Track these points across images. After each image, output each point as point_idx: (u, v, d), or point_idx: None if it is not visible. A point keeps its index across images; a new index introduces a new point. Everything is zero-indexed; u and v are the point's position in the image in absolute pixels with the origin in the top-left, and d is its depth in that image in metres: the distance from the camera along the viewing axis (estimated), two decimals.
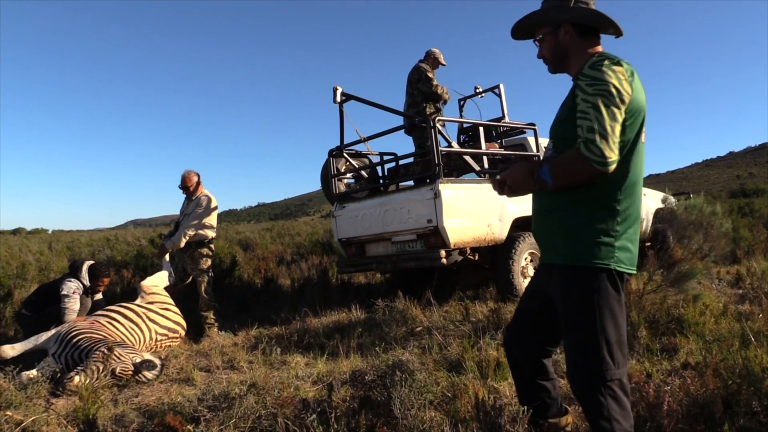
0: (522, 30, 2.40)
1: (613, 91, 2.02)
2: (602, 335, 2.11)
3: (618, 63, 2.08)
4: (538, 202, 2.37)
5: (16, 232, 40.70)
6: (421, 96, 7.48)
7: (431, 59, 7.67)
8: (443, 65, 7.76)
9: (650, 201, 8.57)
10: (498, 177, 2.29)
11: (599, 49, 2.30)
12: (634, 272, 2.23)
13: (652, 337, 4.20)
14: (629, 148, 2.12)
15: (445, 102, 7.57)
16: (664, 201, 7.50)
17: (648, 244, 8.21)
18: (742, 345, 3.70)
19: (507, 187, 2.25)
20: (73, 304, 5.53)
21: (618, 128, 2.01)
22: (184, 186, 6.49)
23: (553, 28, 2.29)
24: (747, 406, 2.59)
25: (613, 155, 1.98)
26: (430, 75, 7.43)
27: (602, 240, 2.12)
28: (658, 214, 8.48)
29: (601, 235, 2.13)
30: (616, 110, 2.01)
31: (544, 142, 7.60)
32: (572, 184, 2.12)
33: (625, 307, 2.21)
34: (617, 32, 2.32)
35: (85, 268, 5.86)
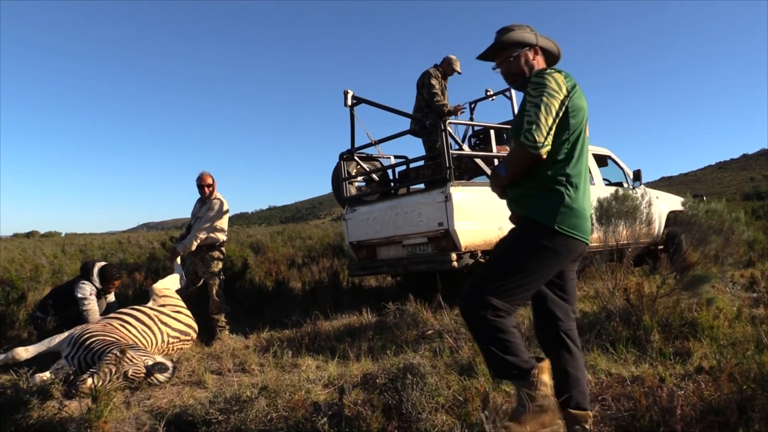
0: (500, 49, 2.80)
1: (550, 90, 2.48)
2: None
3: (558, 72, 2.58)
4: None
5: (30, 235, 41.05)
6: (424, 103, 7.46)
7: (445, 65, 7.61)
8: (458, 73, 7.69)
9: (663, 204, 8.51)
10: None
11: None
12: (584, 239, 2.62)
13: (665, 341, 4.16)
14: (575, 139, 2.58)
15: (453, 113, 7.41)
16: (684, 204, 7.46)
17: (661, 247, 8.15)
18: (757, 349, 3.67)
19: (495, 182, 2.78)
20: (93, 305, 5.60)
21: (551, 120, 2.46)
22: (202, 185, 6.51)
23: (524, 49, 2.75)
24: (762, 411, 2.56)
25: (543, 140, 2.44)
26: (434, 82, 7.35)
27: (559, 207, 2.56)
28: (672, 217, 8.42)
29: (546, 199, 2.59)
30: (551, 105, 2.46)
31: None
32: (519, 170, 2.59)
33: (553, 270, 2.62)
34: (558, 60, 2.91)
35: (96, 270, 5.90)
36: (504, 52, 2.77)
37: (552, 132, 2.48)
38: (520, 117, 2.60)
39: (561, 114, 2.50)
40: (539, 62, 2.78)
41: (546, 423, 2.46)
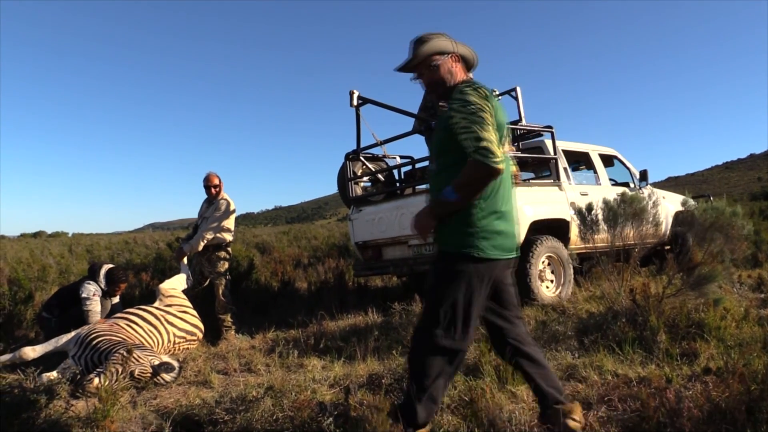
0: (419, 58, 2.76)
1: (481, 105, 2.48)
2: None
3: (478, 87, 2.58)
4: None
5: (37, 235, 41.25)
6: (431, 104, 7.46)
7: None
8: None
9: (669, 204, 8.48)
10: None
11: (467, 76, 2.81)
12: (506, 257, 2.65)
13: (671, 341, 4.14)
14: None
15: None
16: (684, 204, 7.42)
17: (668, 247, 8.13)
18: (765, 350, 3.65)
19: (419, 233, 2.66)
20: (95, 306, 5.61)
21: (493, 134, 2.44)
22: (209, 185, 6.53)
23: (443, 57, 2.75)
24: None
25: (499, 155, 2.41)
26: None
27: (466, 231, 2.57)
28: (678, 217, 8.39)
29: (467, 227, 2.57)
30: (486, 119, 2.45)
31: (561, 144, 7.55)
32: (477, 191, 2.50)
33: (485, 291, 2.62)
34: (474, 66, 2.90)
35: (103, 272, 5.92)
36: (424, 61, 2.75)
37: (498, 145, 2.46)
38: (444, 133, 2.60)
39: (495, 126, 2.49)
40: (459, 70, 2.78)
41: None
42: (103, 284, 5.85)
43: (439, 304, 2.56)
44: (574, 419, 2.63)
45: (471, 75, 2.86)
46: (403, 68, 2.82)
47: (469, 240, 2.55)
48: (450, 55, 2.75)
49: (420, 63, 2.76)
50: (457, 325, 2.55)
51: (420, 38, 2.76)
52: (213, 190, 6.50)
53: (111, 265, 6.12)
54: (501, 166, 2.41)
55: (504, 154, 2.55)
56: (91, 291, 5.66)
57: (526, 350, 2.74)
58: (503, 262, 2.66)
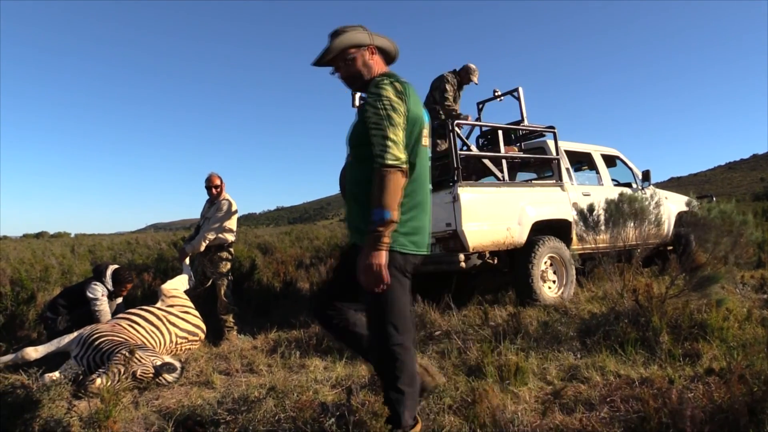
0: (331, 55, 2.73)
1: (392, 102, 2.45)
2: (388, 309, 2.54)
3: (396, 81, 2.54)
4: (348, 194, 2.78)
5: (40, 235, 41.31)
6: (433, 105, 7.47)
7: (463, 72, 7.59)
8: (475, 83, 7.68)
9: (672, 204, 8.46)
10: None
11: (386, 69, 2.78)
12: (422, 253, 2.68)
13: (674, 342, 4.14)
14: (411, 151, 2.54)
15: (457, 118, 7.42)
16: (688, 204, 7.41)
17: (670, 248, 8.11)
18: None
19: (375, 287, 2.42)
20: (104, 307, 5.63)
21: (400, 134, 2.44)
22: (210, 186, 6.53)
23: (361, 50, 2.71)
24: None
25: (402, 156, 2.41)
26: (448, 87, 7.36)
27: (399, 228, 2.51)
28: (681, 218, 8.37)
29: None
30: (395, 118, 2.43)
31: (563, 145, 7.54)
32: (394, 195, 2.40)
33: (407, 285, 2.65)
34: (395, 58, 2.88)
35: (109, 272, 5.93)
36: (339, 55, 2.71)
37: (405, 145, 2.47)
38: (360, 126, 2.58)
39: (404, 125, 2.49)
40: (377, 62, 2.75)
41: None
42: (110, 285, 5.85)
43: (380, 306, 2.56)
44: None
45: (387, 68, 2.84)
46: (318, 62, 2.76)
47: (395, 236, 2.51)
48: (366, 48, 2.71)
49: (335, 57, 2.72)
50: (401, 319, 2.57)
51: (335, 31, 2.72)
52: (214, 191, 6.51)
53: (117, 266, 6.13)
54: (404, 166, 2.41)
55: (425, 146, 2.65)
56: (99, 292, 5.67)
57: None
58: (418, 258, 2.70)
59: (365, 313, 2.65)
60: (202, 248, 6.23)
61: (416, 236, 2.62)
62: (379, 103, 2.46)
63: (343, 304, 2.86)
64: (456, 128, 6.20)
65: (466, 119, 7.47)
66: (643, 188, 8.27)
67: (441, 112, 7.31)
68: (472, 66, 7.63)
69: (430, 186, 2.78)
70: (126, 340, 4.74)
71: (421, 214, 2.66)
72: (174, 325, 5.45)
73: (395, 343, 2.53)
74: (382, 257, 2.38)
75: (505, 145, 7.14)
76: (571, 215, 6.92)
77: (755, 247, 5.24)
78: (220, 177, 6.57)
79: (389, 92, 2.49)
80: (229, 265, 6.43)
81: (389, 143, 2.40)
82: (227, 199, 6.46)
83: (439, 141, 7.30)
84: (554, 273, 6.70)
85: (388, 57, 2.85)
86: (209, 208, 6.55)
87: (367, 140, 2.50)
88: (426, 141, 2.68)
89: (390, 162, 2.38)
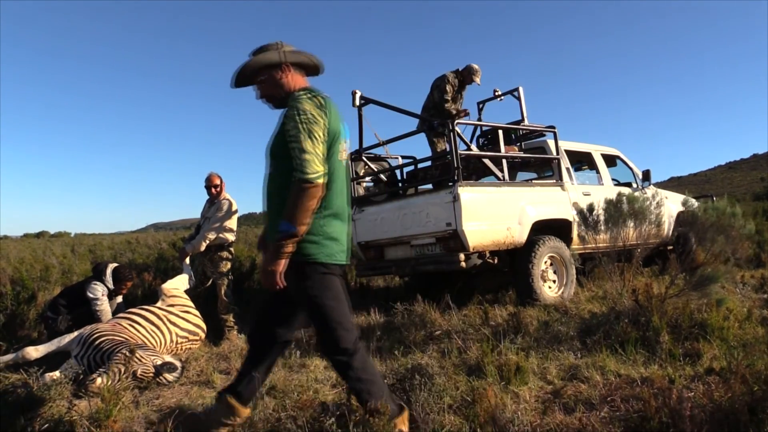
0: (246, 76, 2.82)
1: (310, 116, 2.51)
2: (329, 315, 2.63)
3: (316, 96, 2.61)
4: (271, 206, 2.76)
5: (40, 235, 41.31)
6: (432, 104, 7.48)
7: (465, 72, 7.60)
8: (477, 84, 7.69)
9: (672, 204, 8.47)
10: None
11: (305, 84, 2.83)
12: (342, 263, 2.73)
13: (674, 342, 4.14)
14: (330, 166, 2.60)
15: (462, 115, 7.45)
16: (684, 203, 7.41)
17: (670, 247, 8.12)
18: None
19: (273, 281, 2.51)
20: (105, 306, 5.64)
21: (319, 147, 2.50)
22: (210, 186, 6.54)
23: (274, 70, 2.77)
24: None
25: (320, 169, 2.47)
26: (448, 88, 7.37)
27: (309, 239, 2.58)
28: (680, 218, 8.38)
29: (308, 235, 2.57)
30: (314, 132, 2.50)
31: (564, 145, 7.55)
32: (307, 210, 2.48)
33: (342, 290, 2.72)
34: (318, 70, 2.94)
35: (109, 271, 5.93)
36: (253, 78, 2.80)
37: (324, 158, 2.54)
38: (280, 138, 2.62)
39: (324, 138, 2.55)
40: (293, 79, 2.79)
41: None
42: (110, 283, 5.85)
43: (320, 315, 2.64)
44: (233, 416, 2.86)
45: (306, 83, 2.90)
46: (238, 85, 2.85)
47: (315, 247, 2.61)
48: (278, 67, 2.77)
49: (251, 79, 2.82)
50: (343, 318, 2.66)
51: (252, 52, 2.83)
52: (214, 190, 6.51)
53: (116, 264, 6.13)
54: (320, 180, 2.47)
55: (341, 161, 2.72)
56: (99, 291, 5.67)
57: (268, 358, 2.94)
58: (340, 268, 2.75)
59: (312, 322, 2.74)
60: (203, 248, 6.23)
61: (329, 246, 2.67)
62: (299, 117, 2.52)
63: (280, 329, 2.94)
64: (456, 128, 6.20)
65: (466, 114, 7.49)
66: (643, 188, 8.27)
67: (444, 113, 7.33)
68: (475, 66, 7.63)
69: (348, 199, 2.87)
70: (126, 339, 4.74)
71: (336, 224, 2.72)
72: (174, 324, 5.45)
73: (345, 340, 2.62)
74: (281, 265, 2.49)
75: (505, 144, 7.15)
76: (571, 215, 6.92)
77: (751, 241, 5.22)
78: (219, 176, 6.58)
79: (309, 106, 2.55)
80: (229, 265, 6.44)
81: (308, 156, 2.46)
82: (227, 199, 6.46)
83: (438, 140, 7.31)
84: (554, 273, 6.70)
85: (311, 69, 2.92)
86: (209, 208, 6.55)
87: (285, 153, 2.55)
88: (343, 155, 2.75)
89: (308, 176, 2.44)
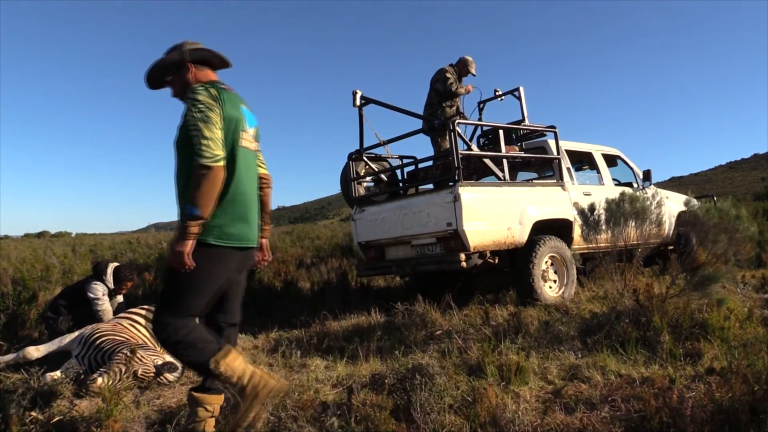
0: (155, 78, 3.04)
1: (205, 105, 2.67)
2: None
3: (211, 87, 2.77)
4: (180, 196, 2.87)
5: (41, 235, 41.32)
6: (437, 96, 7.48)
7: (460, 65, 7.64)
8: (473, 75, 7.72)
9: (673, 204, 8.47)
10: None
11: (211, 78, 2.99)
12: (238, 245, 2.82)
13: (675, 342, 4.14)
14: (230, 152, 2.77)
15: (466, 92, 7.55)
16: (686, 204, 7.41)
17: (671, 247, 8.11)
18: None
19: (180, 261, 2.60)
20: (106, 306, 5.65)
21: (217, 132, 2.66)
22: None
23: (179, 69, 2.96)
24: None
25: (218, 153, 2.63)
26: (448, 75, 7.41)
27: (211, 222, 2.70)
28: (681, 218, 8.38)
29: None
30: (210, 118, 2.65)
31: (564, 144, 7.55)
32: (210, 193, 2.61)
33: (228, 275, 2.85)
34: (225, 63, 3.08)
35: (109, 270, 5.93)
36: (161, 81, 3.03)
37: (222, 143, 2.69)
38: (182, 130, 2.76)
39: (221, 124, 2.71)
40: (198, 75, 2.95)
41: (258, 394, 2.72)
42: (110, 283, 5.85)
43: (176, 283, 2.74)
44: (205, 408, 2.90)
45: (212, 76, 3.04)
46: (153, 87, 3.08)
47: (207, 230, 2.70)
48: (182, 67, 2.95)
49: (160, 82, 3.05)
50: (192, 298, 2.77)
51: (166, 52, 3.00)
52: None
53: (117, 264, 6.13)
54: (220, 163, 2.63)
55: (244, 148, 2.87)
56: (100, 291, 5.67)
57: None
58: (235, 250, 2.84)
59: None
60: None
61: (231, 228, 2.79)
62: (195, 107, 2.68)
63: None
64: (457, 128, 6.21)
65: (469, 90, 7.52)
66: (644, 188, 8.27)
67: (443, 107, 7.36)
68: (469, 58, 7.67)
69: (255, 185, 3.03)
70: (127, 339, 4.75)
71: (238, 208, 2.83)
72: None
73: (178, 312, 2.72)
74: (188, 246, 2.58)
75: (506, 144, 7.15)
76: (572, 215, 6.92)
77: (753, 243, 5.22)
78: None
79: (203, 96, 2.71)
80: None
81: (206, 141, 2.61)
82: None
83: (442, 140, 7.31)
84: (555, 272, 6.70)
85: (216, 65, 3.07)
86: None
87: (188, 142, 2.69)
88: (246, 143, 2.89)
89: (207, 160, 2.59)
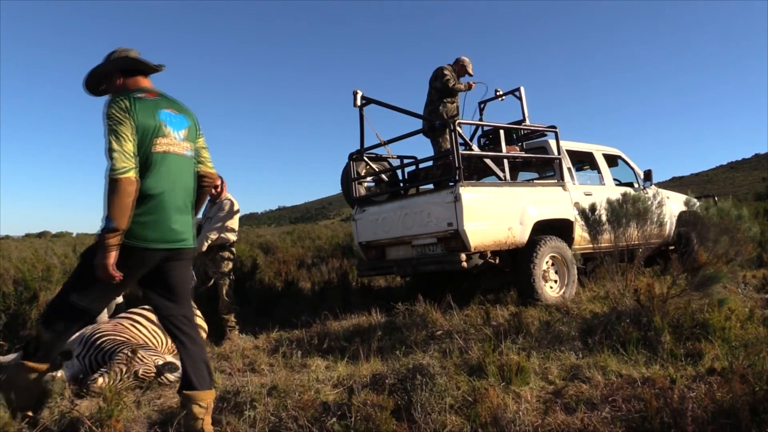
0: (92, 87, 3.17)
1: (116, 118, 2.76)
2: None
3: (123, 98, 2.84)
4: None
5: (42, 235, 41.34)
6: (437, 95, 7.48)
7: (458, 65, 7.65)
8: (469, 75, 7.73)
9: (674, 204, 8.46)
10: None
11: (138, 85, 3.08)
12: (152, 247, 2.90)
13: (676, 342, 4.13)
14: (145, 159, 2.84)
15: (468, 89, 7.54)
16: (687, 204, 7.39)
17: (672, 247, 8.11)
18: None
19: (106, 274, 2.72)
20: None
21: (127, 145, 2.73)
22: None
23: (108, 78, 3.09)
24: None
25: (126, 164, 2.71)
26: (446, 73, 7.40)
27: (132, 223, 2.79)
28: (682, 218, 8.37)
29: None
30: (120, 131, 2.74)
31: (565, 144, 7.55)
32: (122, 204, 2.69)
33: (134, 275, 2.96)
34: (153, 68, 3.15)
35: None
36: (98, 88, 3.17)
37: (133, 154, 2.77)
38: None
39: (132, 136, 2.79)
40: (127, 83, 3.07)
41: None
42: None
43: (78, 276, 2.94)
44: (199, 405, 2.93)
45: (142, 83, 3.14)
46: (93, 96, 3.21)
47: (130, 232, 2.80)
48: (110, 75, 3.09)
49: (98, 91, 3.18)
50: (86, 292, 2.90)
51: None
52: (214, 191, 6.51)
53: None
54: (128, 174, 2.70)
55: (164, 153, 2.93)
56: None
57: (179, 335, 3.06)
58: (150, 251, 2.92)
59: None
60: (205, 248, 6.24)
61: (146, 231, 2.87)
62: (105, 121, 2.79)
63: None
64: (458, 128, 6.21)
65: (471, 86, 7.51)
66: (644, 188, 8.27)
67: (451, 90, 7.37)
68: (465, 58, 7.68)
69: (179, 188, 3.07)
70: (128, 339, 4.75)
71: (150, 213, 2.89)
72: None
73: (68, 302, 2.88)
74: (110, 258, 2.69)
75: (506, 144, 7.15)
76: (572, 215, 6.92)
77: (754, 243, 5.21)
78: (219, 177, 6.58)
79: (113, 110, 2.79)
80: (231, 265, 6.44)
81: (115, 155, 2.69)
82: (229, 199, 6.46)
83: (443, 140, 7.32)
84: (556, 273, 6.70)
85: (147, 71, 3.16)
86: (211, 208, 6.56)
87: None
88: (165, 147, 2.96)
89: (114, 173, 2.68)
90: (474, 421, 2.88)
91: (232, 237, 6.41)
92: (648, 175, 8.42)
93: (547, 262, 6.55)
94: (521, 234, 6.42)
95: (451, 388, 3.37)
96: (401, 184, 7.80)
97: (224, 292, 6.26)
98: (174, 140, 3.02)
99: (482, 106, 8.46)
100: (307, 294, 8.80)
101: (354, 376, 4.10)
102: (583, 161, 8.40)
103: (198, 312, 5.87)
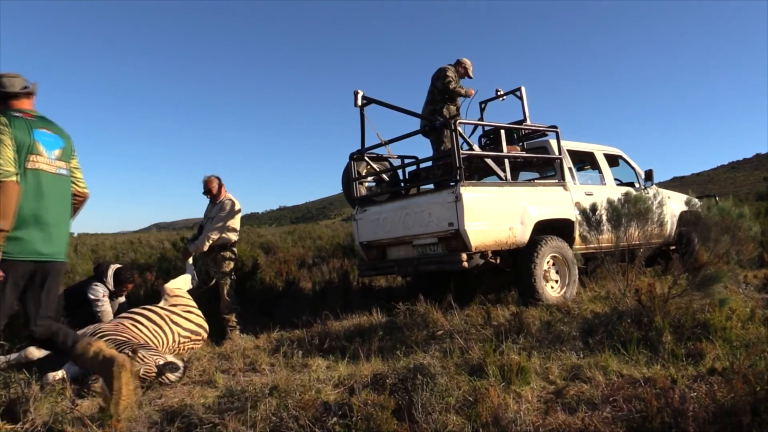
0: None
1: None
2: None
3: (2, 115, 3.25)
4: None
5: None
6: (439, 95, 7.48)
7: (460, 67, 7.65)
8: (470, 77, 7.73)
9: (675, 204, 8.45)
10: None
11: (25, 105, 3.48)
12: (24, 258, 3.24)
13: (677, 342, 4.13)
14: (21, 171, 3.21)
15: (467, 95, 7.55)
16: (687, 203, 7.38)
17: (673, 247, 8.10)
18: None
19: None
20: (107, 307, 5.65)
21: (7, 152, 3.13)
22: (207, 190, 6.55)
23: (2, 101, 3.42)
24: None
25: (12, 169, 3.13)
26: (449, 74, 7.40)
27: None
28: (683, 217, 8.36)
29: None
30: (3, 142, 3.15)
31: (566, 144, 7.54)
32: (9, 205, 3.07)
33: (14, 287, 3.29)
34: (22, 92, 3.47)
35: (110, 272, 5.93)
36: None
37: (15, 161, 3.15)
38: None
39: (12, 145, 3.17)
40: (14, 105, 3.42)
41: None
42: (111, 284, 5.85)
43: None
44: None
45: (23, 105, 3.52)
46: None
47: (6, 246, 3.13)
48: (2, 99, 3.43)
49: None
50: None
51: None
52: (213, 191, 6.52)
53: (118, 265, 6.13)
54: (11, 178, 3.09)
55: (38, 170, 3.28)
56: (100, 292, 5.67)
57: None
58: (24, 263, 3.25)
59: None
60: (206, 248, 6.24)
61: (15, 244, 3.18)
62: None
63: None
64: (458, 128, 6.20)
65: (470, 94, 7.51)
66: (645, 188, 8.26)
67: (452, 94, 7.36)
68: (466, 60, 7.69)
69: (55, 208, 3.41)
70: (129, 339, 4.75)
71: (24, 225, 3.21)
72: (177, 324, 5.46)
73: None
74: None
75: (507, 144, 7.14)
76: (573, 215, 6.91)
77: (755, 243, 5.21)
78: (217, 178, 6.58)
79: None
80: (232, 265, 6.44)
81: (1, 161, 3.09)
82: (230, 199, 6.46)
83: (443, 139, 7.31)
84: (557, 273, 6.69)
85: (29, 93, 3.52)
86: (212, 208, 6.56)
87: None
88: (37, 165, 3.31)
89: (2, 177, 3.06)
90: (475, 421, 2.88)
91: (234, 237, 6.41)
92: (649, 174, 8.41)
93: (548, 262, 6.55)
94: (522, 234, 6.42)
95: (452, 388, 3.37)
96: (402, 184, 7.79)
97: (225, 291, 6.26)
98: (48, 159, 3.38)
99: (483, 105, 8.46)
100: (307, 294, 8.79)
101: (355, 375, 4.10)
102: (584, 161, 8.39)
103: (199, 312, 5.88)
